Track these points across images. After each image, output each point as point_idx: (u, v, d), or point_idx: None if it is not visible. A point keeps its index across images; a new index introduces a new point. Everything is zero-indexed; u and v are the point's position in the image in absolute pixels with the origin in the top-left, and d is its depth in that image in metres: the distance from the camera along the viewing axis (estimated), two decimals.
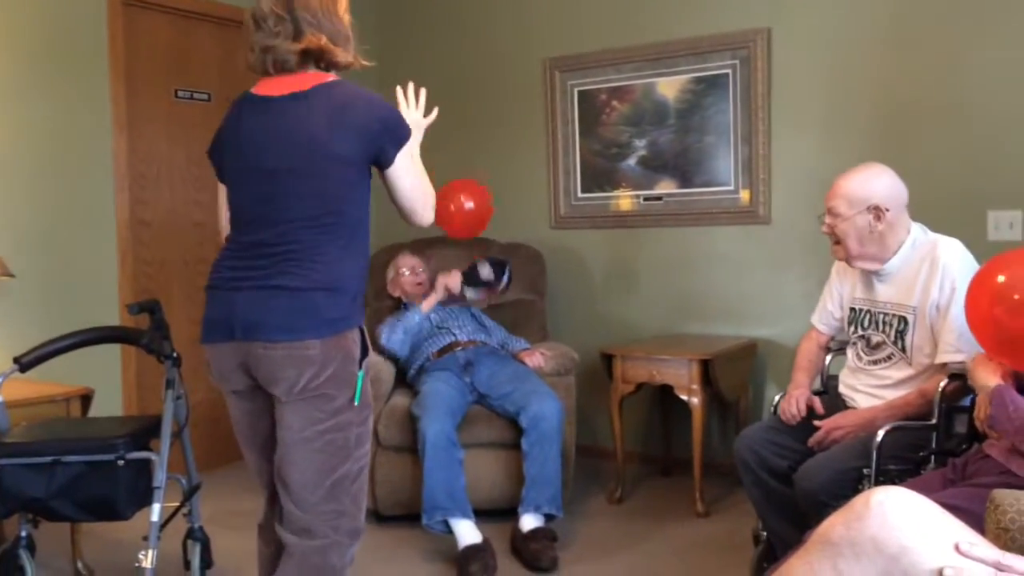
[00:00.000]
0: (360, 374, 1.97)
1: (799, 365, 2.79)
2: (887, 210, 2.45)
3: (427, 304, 3.65)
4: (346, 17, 2.05)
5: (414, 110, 2.20)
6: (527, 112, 4.48)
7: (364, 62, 2.09)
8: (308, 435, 1.93)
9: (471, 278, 3.60)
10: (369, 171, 2.00)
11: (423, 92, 2.26)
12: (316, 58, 2.00)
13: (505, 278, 3.61)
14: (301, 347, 1.89)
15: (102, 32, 3.74)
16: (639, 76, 4.14)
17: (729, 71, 3.91)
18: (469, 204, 3.74)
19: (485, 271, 3.60)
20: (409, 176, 2.01)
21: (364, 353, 2.00)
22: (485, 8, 4.60)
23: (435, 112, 2.29)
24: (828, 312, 2.78)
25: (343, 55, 2.02)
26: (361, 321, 2.03)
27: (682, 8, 4.02)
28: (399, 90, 2.22)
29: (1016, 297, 1.90)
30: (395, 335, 3.60)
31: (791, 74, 3.79)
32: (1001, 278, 1.96)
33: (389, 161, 1.98)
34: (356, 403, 1.96)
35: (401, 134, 1.99)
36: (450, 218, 3.71)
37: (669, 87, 4.08)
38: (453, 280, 3.62)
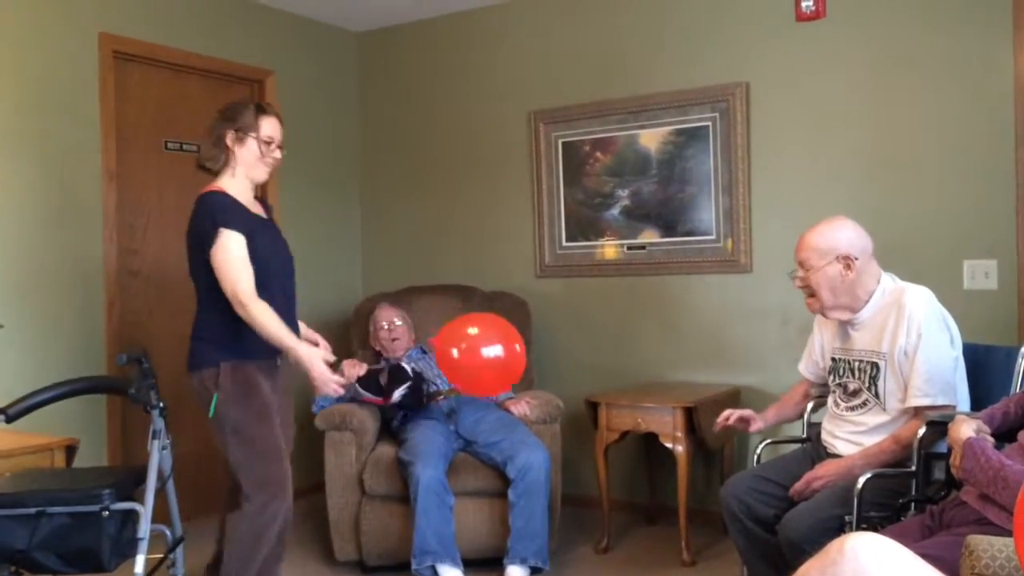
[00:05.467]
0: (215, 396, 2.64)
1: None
2: (856, 258, 2.52)
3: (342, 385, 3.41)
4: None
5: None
6: (513, 163, 4.55)
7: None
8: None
9: (366, 383, 3.52)
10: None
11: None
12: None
13: (398, 395, 3.51)
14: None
15: (93, 84, 3.79)
16: (622, 128, 4.23)
17: (709, 123, 4.00)
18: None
19: (383, 379, 3.55)
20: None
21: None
22: (473, 62, 4.69)
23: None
24: (813, 361, 2.84)
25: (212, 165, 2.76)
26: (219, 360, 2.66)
27: (663, 63, 4.12)
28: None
29: None
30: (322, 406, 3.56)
31: (770, 126, 3.88)
32: None
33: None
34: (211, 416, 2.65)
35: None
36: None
37: (651, 139, 4.16)
38: (353, 371, 3.47)
